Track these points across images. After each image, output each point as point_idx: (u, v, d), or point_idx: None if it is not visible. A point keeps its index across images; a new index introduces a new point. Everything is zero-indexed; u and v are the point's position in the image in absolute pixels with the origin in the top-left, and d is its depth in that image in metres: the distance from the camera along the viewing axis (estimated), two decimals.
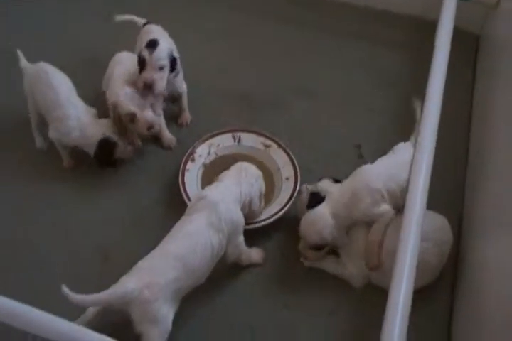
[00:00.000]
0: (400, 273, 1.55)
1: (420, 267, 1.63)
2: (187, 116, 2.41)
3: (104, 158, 2.13)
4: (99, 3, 3.00)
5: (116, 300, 1.58)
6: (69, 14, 2.94)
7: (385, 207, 1.88)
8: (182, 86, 2.33)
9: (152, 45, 2.08)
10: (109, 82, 2.18)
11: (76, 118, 2.12)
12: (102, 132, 2.11)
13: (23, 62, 2.24)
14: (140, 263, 1.66)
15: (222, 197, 1.80)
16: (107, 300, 1.58)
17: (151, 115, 2.12)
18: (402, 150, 2.03)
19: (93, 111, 2.20)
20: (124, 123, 2.12)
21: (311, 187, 2.03)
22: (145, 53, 2.07)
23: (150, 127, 2.11)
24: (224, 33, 2.84)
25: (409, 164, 1.87)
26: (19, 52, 2.24)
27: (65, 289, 1.52)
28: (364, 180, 1.89)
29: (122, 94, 2.09)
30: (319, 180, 2.04)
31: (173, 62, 2.13)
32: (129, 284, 1.58)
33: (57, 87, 2.13)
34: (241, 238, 1.88)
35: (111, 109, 2.13)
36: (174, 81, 2.25)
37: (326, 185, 1.99)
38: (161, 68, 2.09)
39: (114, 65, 2.28)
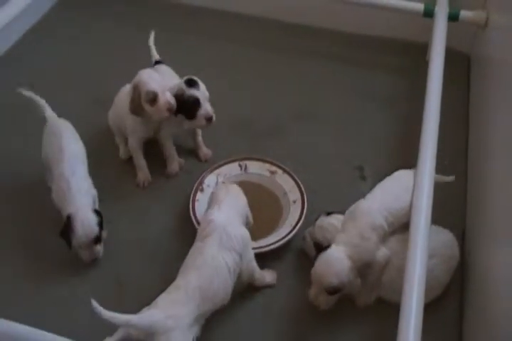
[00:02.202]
0: (410, 292, 1.60)
1: (429, 283, 1.67)
2: (205, 151, 2.46)
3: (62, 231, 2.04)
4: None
5: (142, 327, 1.64)
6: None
7: (384, 251, 1.90)
8: None
9: (194, 83, 2.18)
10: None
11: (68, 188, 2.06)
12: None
13: (49, 112, 2.26)
14: (163, 296, 1.73)
15: (228, 217, 1.87)
16: (135, 324, 1.63)
17: (171, 97, 2.16)
18: (398, 178, 2.06)
19: (93, 192, 2.15)
20: (142, 109, 2.17)
21: (310, 231, 2.07)
22: (193, 92, 2.15)
23: (170, 108, 2.15)
24: (215, 62, 2.92)
25: (404, 192, 1.94)
26: (44, 104, 2.26)
27: (96, 305, 1.57)
28: (367, 219, 1.90)
29: (146, 75, 2.17)
30: (316, 219, 2.08)
31: None
32: (156, 315, 1.65)
33: (65, 148, 2.12)
34: (251, 254, 1.93)
35: (131, 92, 2.19)
36: None
37: (323, 223, 2.03)
38: (208, 99, 2.20)
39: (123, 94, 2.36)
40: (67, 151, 2.11)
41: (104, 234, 2.13)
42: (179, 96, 2.17)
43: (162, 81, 2.19)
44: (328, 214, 2.06)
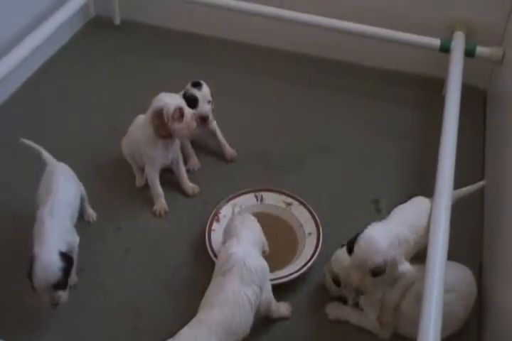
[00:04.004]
0: (427, 326, 1.60)
1: (446, 318, 1.68)
2: (230, 150, 2.61)
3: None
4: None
5: None
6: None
7: (407, 267, 1.89)
8: (213, 122, 2.54)
9: (198, 84, 2.39)
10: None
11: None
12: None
13: (47, 156, 2.24)
14: (184, 331, 1.72)
15: (247, 250, 1.87)
16: None
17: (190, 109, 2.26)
18: (416, 203, 2.10)
19: (70, 239, 2.04)
20: (171, 130, 2.21)
21: (328, 266, 2.06)
22: (194, 91, 2.36)
23: (196, 118, 2.24)
24: (230, 94, 2.92)
25: (424, 214, 2.00)
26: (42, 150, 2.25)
27: None
28: (400, 229, 1.93)
29: (165, 97, 2.22)
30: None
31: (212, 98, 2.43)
32: None
33: (51, 192, 2.07)
34: (269, 285, 1.93)
35: (154, 118, 2.21)
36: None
37: (338, 255, 2.02)
38: (209, 102, 2.38)
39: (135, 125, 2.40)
40: (53, 195, 2.05)
41: (73, 280, 2.09)
42: (183, 95, 2.34)
43: (178, 96, 2.29)
44: (343, 246, 2.05)
